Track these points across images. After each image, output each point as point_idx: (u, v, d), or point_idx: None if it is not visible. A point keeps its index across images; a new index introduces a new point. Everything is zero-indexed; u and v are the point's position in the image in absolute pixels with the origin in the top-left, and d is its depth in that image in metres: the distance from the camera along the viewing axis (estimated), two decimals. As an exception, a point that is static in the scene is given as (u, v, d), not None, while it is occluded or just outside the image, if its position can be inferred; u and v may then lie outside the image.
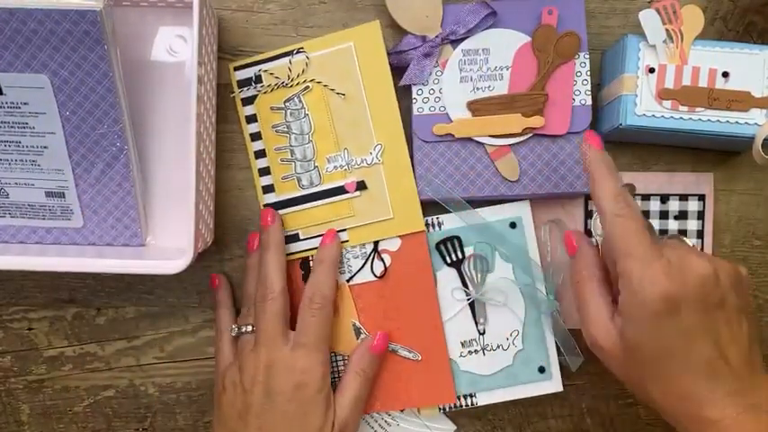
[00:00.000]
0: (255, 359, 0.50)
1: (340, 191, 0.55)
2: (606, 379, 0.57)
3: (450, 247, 0.55)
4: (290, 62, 0.55)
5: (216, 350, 0.54)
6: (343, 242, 0.55)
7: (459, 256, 0.55)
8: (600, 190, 0.45)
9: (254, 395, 0.49)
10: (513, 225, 0.55)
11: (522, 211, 0.55)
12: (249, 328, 0.52)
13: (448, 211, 0.55)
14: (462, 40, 0.54)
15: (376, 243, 0.55)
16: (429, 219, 0.55)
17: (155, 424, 0.58)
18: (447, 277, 0.55)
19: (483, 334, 0.55)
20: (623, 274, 0.43)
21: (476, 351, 0.55)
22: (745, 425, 0.41)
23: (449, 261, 0.56)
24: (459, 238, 0.55)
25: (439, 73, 0.54)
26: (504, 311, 0.55)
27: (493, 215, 0.55)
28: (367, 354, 0.53)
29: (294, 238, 0.56)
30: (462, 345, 0.55)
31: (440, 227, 0.55)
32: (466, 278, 0.55)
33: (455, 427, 0.57)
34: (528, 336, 0.55)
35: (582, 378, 0.57)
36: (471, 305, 0.55)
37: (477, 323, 0.55)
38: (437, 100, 0.54)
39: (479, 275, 0.55)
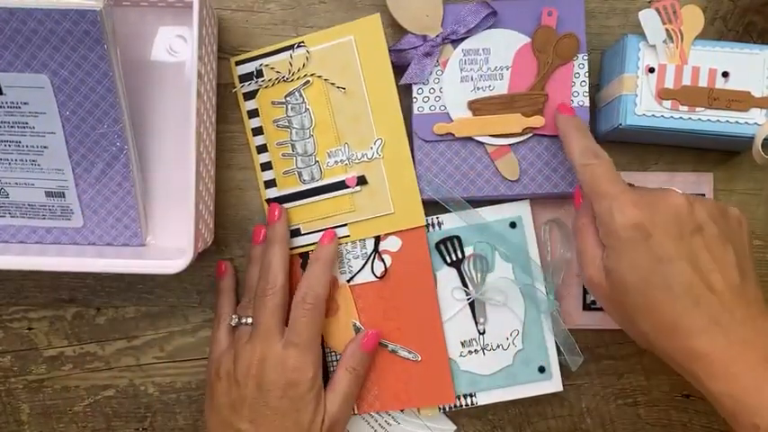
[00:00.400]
0: (251, 351, 0.50)
1: (341, 186, 0.55)
2: (606, 379, 0.57)
3: (450, 247, 0.55)
4: (291, 56, 0.55)
5: (212, 336, 0.55)
6: (343, 237, 0.55)
7: (459, 255, 0.55)
8: (568, 146, 0.48)
9: (247, 388, 0.50)
10: (513, 225, 0.55)
11: (522, 210, 0.55)
12: (248, 319, 0.52)
13: (448, 211, 0.55)
14: (463, 39, 0.54)
15: (377, 243, 0.55)
16: (429, 219, 0.55)
17: (155, 424, 0.58)
18: (447, 277, 0.55)
19: (483, 334, 0.55)
20: (598, 214, 0.45)
21: (476, 351, 0.55)
22: (735, 359, 0.40)
23: (449, 261, 0.56)
24: (459, 238, 0.55)
25: (439, 72, 0.54)
26: (504, 311, 0.55)
27: (493, 215, 0.55)
28: (358, 351, 0.53)
29: (295, 233, 0.56)
30: (462, 344, 0.55)
31: (440, 227, 0.55)
32: (466, 278, 0.55)
33: (455, 427, 0.57)
34: (528, 336, 0.55)
35: (582, 378, 0.57)
36: (471, 305, 0.55)
37: (477, 323, 0.55)
38: (437, 99, 0.54)
39: (479, 275, 0.55)
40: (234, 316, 0.54)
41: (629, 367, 0.58)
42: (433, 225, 0.55)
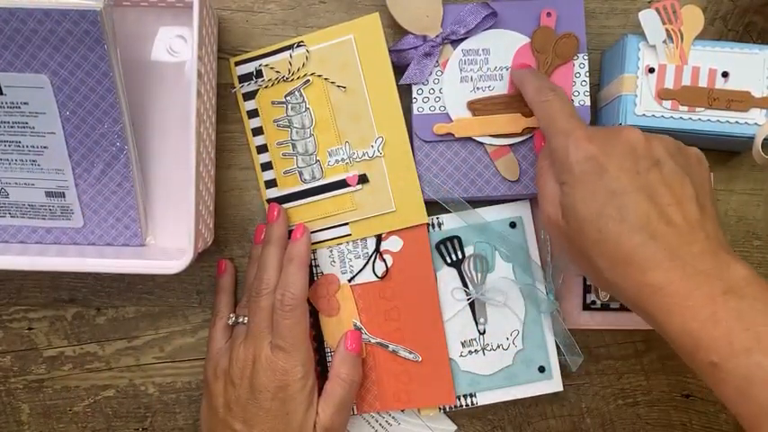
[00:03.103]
0: (245, 352, 0.50)
1: (342, 184, 0.55)
2: (606, 379, 0.57)
3: (450, 247, 0.55)
4: (291, 56, 0.55)
5: (209, 334, 0.55)
6: (345, 236, 0.55)
7: (459, 256, 0.55)
8: (524, 89, 0.49)
9: (241, 388, 0.50)
10: (512, 225, 0.55)
11: (522, 211, 0.55)
12: (245, 319, 0.53)
13: (448, 211, 0.55)
14: (462, 40, 0.54)
15: (378, 244, 0.55)
16: (429, 219, 0.55)
17: (155, 424, 0.58)
18: (447, 277, 0.55)
19: (483, 334, 0.55)
20: (554, 151, 0.44)
21: (476, 351, 0.55)
22: (692, 292, 0.38)
23: (449, 261, 0.56)
24: (459, 238, 0.55)
25: (439, 73, 0.54)
26: (504, 311, 0.55)
27: (493, 215, 0.55)
28: (345, 355, 0.53)
29: (296, 234, 0.56)
30: (462, 345, 0.55)
31: (440, 227, 0.55)
32: (466, 278, 0.55)
33: (455, 427, 0.57)
34: (528, 336, 0.55)
35: (582, 378, 0.57)
36: (471, 305, 0.55)
37: (477, 323, 0.55)
38: (437, 100, 0.54)
39: (479, 275, 0.55)
40: (231, 315, 0.54)
41: (629, 367, 0.58)
42: (433, 225, 0.55)
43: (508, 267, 0.55)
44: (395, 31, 0.55)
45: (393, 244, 0.55)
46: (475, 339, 0.55)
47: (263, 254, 0.52)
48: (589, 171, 0.42)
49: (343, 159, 0.55)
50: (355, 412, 0.56)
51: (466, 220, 0.55)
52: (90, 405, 0.58)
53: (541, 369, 0.55)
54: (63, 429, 0.58)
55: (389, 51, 0.54)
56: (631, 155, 0.41)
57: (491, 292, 0.55)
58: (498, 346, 0.55)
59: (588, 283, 0.55)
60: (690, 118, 0.51)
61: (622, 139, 0.42)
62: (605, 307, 0.55)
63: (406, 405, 0.56)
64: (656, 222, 0.40)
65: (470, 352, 0.55)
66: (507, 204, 0.55)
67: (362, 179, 0.55)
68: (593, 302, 0.56)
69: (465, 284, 0.55)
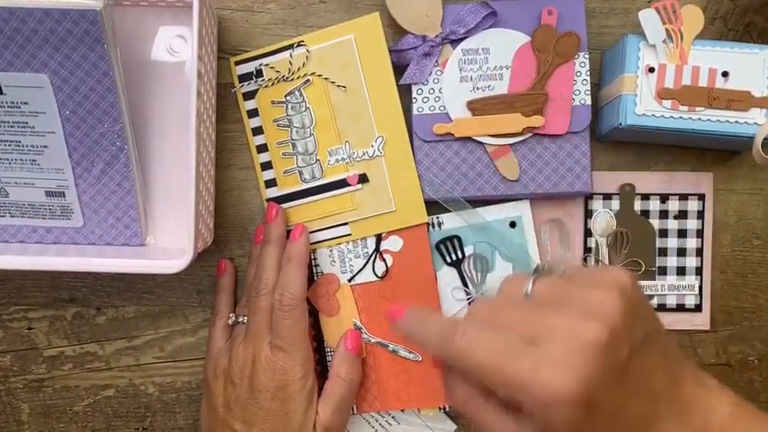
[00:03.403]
0: (245, 352, 0.51)
1: (342, 184, 0.55)
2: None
3: (450, 247, 0.55)
4: (291, 56, 0.55)
5: (209, 333, 0.55)
6: (345, 236, 0.55)
7: (459, 255, 0.55)
8: (422, 342, 0.37)
9: (241, 388, 0.50)
10: (512, 224, 0.55)
11: (522, 210, 0.55)
12: (245, 318, 0.53)
13: (448, 211, 0.55)
14: (462, 39, 0.54)
15: (378, 243, 0.55)
16: (429, 219, 0.55)
17: (155, 423, 0.58)
18: (447, 277, 0.55)
19: None
20: (522, 408, 0.32)
21: None
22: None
23: (449, 261, 0.56)
24: (459, 238, 0.55)
25: (439, 72, 0.54)
26: None
27: (493, 215, 0.55)
28: (347, 356, 0.53)
29: (296, 234, 0.56)
30: None
31: (440, 227, 0.55)
32: (466, 278, 0.55)
33: (455, 427, 0.57)
34: None
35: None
36: (471, 304, 0.55)
37: None
38: (437, 99, 0.54)
39: (479, 275, 0.55)
40: (231, 315, 0.54)
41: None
42: (432, 225, 0.55)
43: (508, 267, 0.55)
44: (395, 30, 0.55)
45: (393, 243, 0.55)
46: None
47: (262, 253, 0.52)
48: (579, 418, 0.31)
49: (343, 159, 0.55)
50: (355, 412, 0.56)
51: (466, 220, 0.55)
52: (90, 405, 0.58)
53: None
54: (63, 429, 0.58)
55: (389, 51, 0.54)
56: (608, 365, 0.32)
57: (491, 292, 0.55)
58: None
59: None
60: (690, 117, 0.51)
61: (592, 351, 0.31)
62: None
63: (405, 405, 0.56)
64: (652, 415, 0.34)
65: (470, 351, 0.55)
66: (507, 204, 0.55)
67: (362, 179, 0.55)
68: None
69: (465, 284, 0.55)
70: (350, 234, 0.55)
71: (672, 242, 0.56)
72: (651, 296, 0.56)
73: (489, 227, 0.55)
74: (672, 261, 0.56)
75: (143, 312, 0.57)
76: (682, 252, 0.56)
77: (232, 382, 0.50)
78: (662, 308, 0.56)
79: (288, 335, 0.50)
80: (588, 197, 0.56)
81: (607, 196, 0.56)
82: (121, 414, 0.58)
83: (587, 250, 0.56)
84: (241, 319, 0.53)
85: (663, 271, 0.56)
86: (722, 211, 0.57)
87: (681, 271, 0.56)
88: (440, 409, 0.56)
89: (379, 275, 0.55)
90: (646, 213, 0.56)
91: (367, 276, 0.55)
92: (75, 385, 0.58)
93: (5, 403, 0.58)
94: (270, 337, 0.50)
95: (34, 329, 0.58)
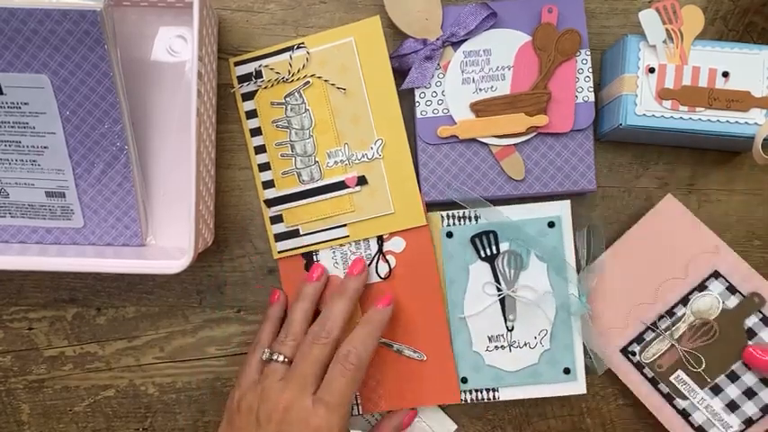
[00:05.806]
0: (279, 394, 0.48)
1: (340, 186, 0.55)
2: (606, 379, 0.57)
3: (485, 242, 0.55)
4: (291, 57, 0.55)
5: (245, 360, 0.53)
6: (343, 237, 0.55)
7: (494, 251, 0.55)
8: None
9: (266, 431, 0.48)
10: (551, 224, 0.55)
11: (561, 210, 0.55)
12: (280, 357, 0.50)
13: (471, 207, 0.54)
14: (463, 41, 0.54)
15: (380, 245, 0.55)
16: (466, 212, 0.55)
17: (155, 424, 0.58)
18: (480, 271, 0.55)
19: (511, 330, 0.55)
20: None
21: (502, 347, 0.55)
22: None
23: (483, 255, 0.55)
24: (495, 234, 0.55)
25: (441, 75, 0.54)
26: (534, 310, 0.55)
27: (531, 213, 0.55)
28: (377, 313, 0.53)
29: (294, 234, 0.56)
30: (489, 339, 0.55)
31: (476, 220, 0.55)
32: (499, 274, 0.55)
33: (455, 427, 0.57)
34: (556, 337, 0.55)
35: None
36: (501, 301, 0.55)
37: (506, 319, 0.55)
38: (440, 102, 0.54)
39: (513, 272, 0.55)
40: (267, 350, 0.52)
41: (630, 367, 0.58)
42: (469, 218, 0.55)
43: (542, 267, 0.55)
44: (395, 31, 0.55)
45: (396, 245, 0.55)
46: (502, 335, 0.55)
47: (335, 303, 0.51)
48: None
49: (342, 161, 0.55)
50: (360, 412, 0.56)
51: (487, 218, 0.54)
52: (90, 405, 0.58)
53: (566, 371, 0.54)
54: (63, 429, 0.58)
55: (390, 57, 0.54)
56: None
57: (523, 290, 0.55)
58: (525, 344, 0.55)
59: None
60: (690, 118, 0.51)
61: None
62: (639, 366, 0.55)
63: (411, 404, 0.56)
64: None
65: (497, 347, 0.55)
66: (548, 203, 0.55)
67: (361, 181, 0.55)
68: (633, 353, 0.55)
69: (497, 280, 0.55)
70: (347, 236, 0.55)
71: None
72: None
73: (527, 225, 0.54)
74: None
75: (143, 313, 0.57)
76: None
77: (258, 423, 0.48)
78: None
79: (338, 393, 0.48)
80: (714, 276, 0.54)
81: (732, 288, 0.54)
82: (121, 414, 0.58)
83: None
84: (275, 357, 0.51)
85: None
86: (722, 212, 0.57)
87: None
88: (440, 408, 0.56)
89: (383, 277, 0.55)
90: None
91: (370, 278, 0.55)
92: (75, 385, 0.58)
93: (6, 404, 0.58)
94: (314, 389, 0.48)
95: (34, 330, 0.58)
